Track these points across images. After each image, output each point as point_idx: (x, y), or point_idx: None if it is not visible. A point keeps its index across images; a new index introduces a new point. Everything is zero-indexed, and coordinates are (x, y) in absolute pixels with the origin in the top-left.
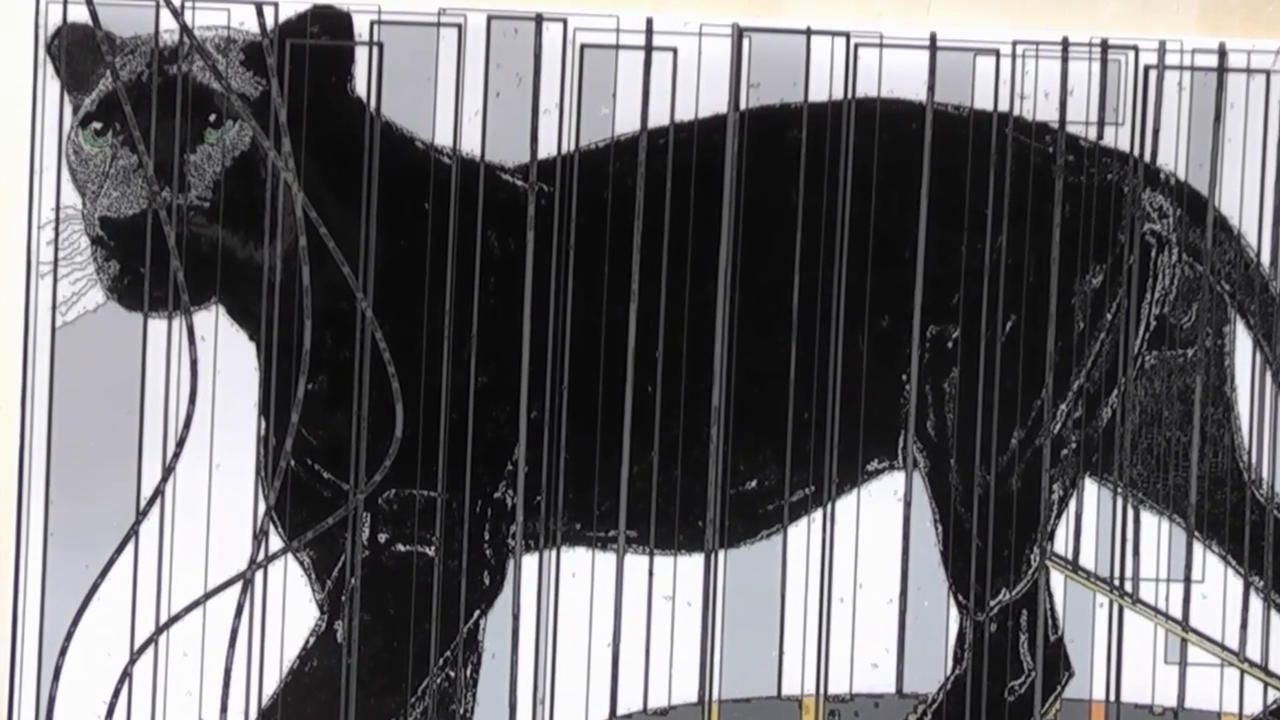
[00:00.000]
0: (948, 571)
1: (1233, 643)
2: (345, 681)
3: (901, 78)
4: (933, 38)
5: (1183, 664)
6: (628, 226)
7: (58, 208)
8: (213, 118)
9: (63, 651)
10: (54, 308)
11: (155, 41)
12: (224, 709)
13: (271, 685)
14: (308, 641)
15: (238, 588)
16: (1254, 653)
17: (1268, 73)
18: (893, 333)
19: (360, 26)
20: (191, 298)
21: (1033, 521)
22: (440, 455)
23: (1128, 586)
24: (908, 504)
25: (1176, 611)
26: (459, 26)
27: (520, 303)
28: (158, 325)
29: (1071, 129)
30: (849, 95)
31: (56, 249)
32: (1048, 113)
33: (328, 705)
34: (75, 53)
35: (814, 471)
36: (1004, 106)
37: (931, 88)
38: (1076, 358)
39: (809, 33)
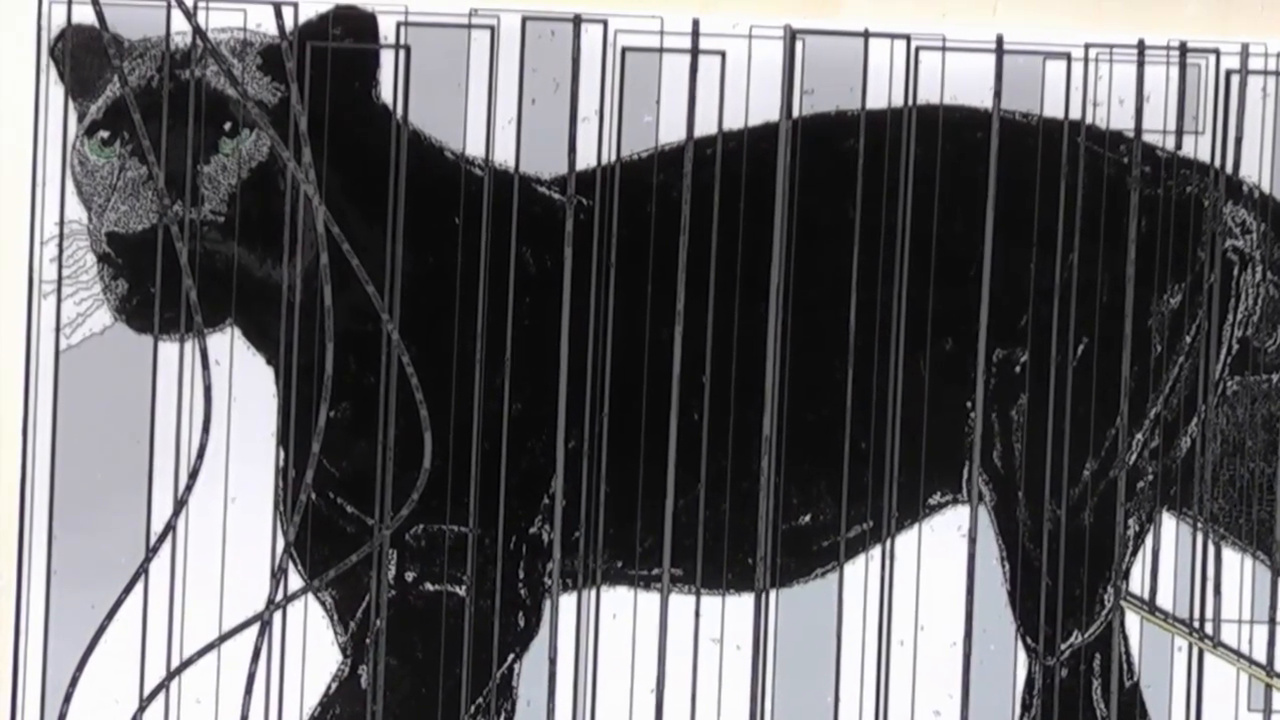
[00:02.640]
0: (1015, 612)
1: None
2: None
3: (966, 83)
4: (999, 40)
5: (1267, 711)
6: (672, 242)
7: (61, 222)
8: (228, 126)
9: (67, 699)
10: (57, 330)
11: (166, 44)
12: None
13: None
14: (330, 688)
15: (254, 630)
16: None
17: None
18: (957, 356)
19: (386, 28)
20: (205, 319)
21: (1106, 559)
22: (472, 488)
23: (1208, 628)
24: (973, 540)
25: (1260, 655)
26: (492, 28)
27: (557, 324)
28: (169, 348)
29: (1148, 138)
30: (909, 102)
31: (60, 267)
32: (1122, 121)
33: None
34: (80, 56)
35: (872, 505)
36: (1075, 114)
37: (998, 94)
38: (1153, 383)
39: (867, 35)
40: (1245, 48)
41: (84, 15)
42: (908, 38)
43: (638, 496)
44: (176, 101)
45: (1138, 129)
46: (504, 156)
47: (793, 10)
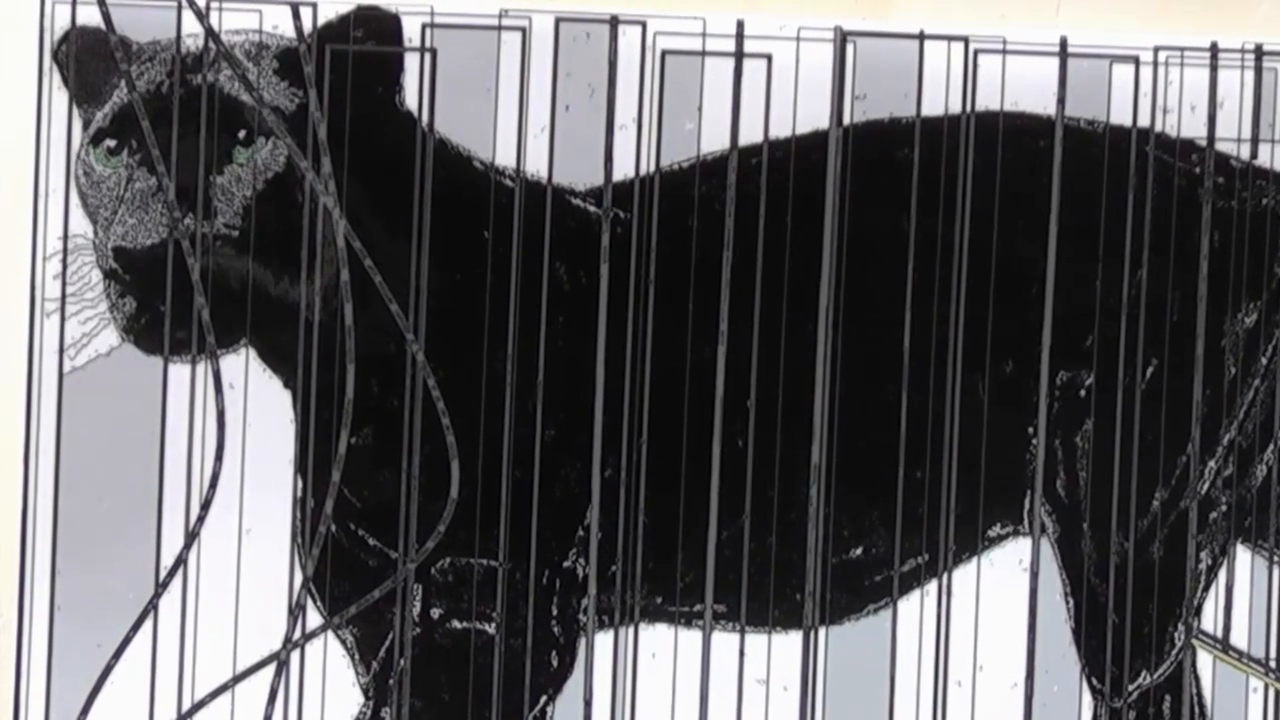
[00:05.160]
0: (1080, 652)
1: None
2: None
3: (1027, 88)
4: (1063, 43)
5: None
6: (716, 258)
7: (65, 237)
8: (242, 134)
9: None
10: (61, 350)
11: (177, 47)
12: None
13: None
14: None
15: (271, 670)
16: None
17: None
18: (1018, 379)
19: (410, 30)
20: (218, 339)
21: (1177, 595)
22: (502, 519)
23: None
24: (1035, 575)
25: None
26: (523, 30)
27: (593, 345)
28: (180, 370)
29: (1221, 147)
30: (968, 108)
31: (64, 284)
32: (1194, 128)
33: None
34: (86, 60)
35: (928, 537)
36: (1144, 121)
37: (1061, 100)
38: (1227, 408)
39: (922, 37)
40: None
41: (89, 16)
42: (965, 40)
43: (678, 528)
44: (188, 108)
45: (1210, 137)
46: (536, 166)
47: (843, 10)
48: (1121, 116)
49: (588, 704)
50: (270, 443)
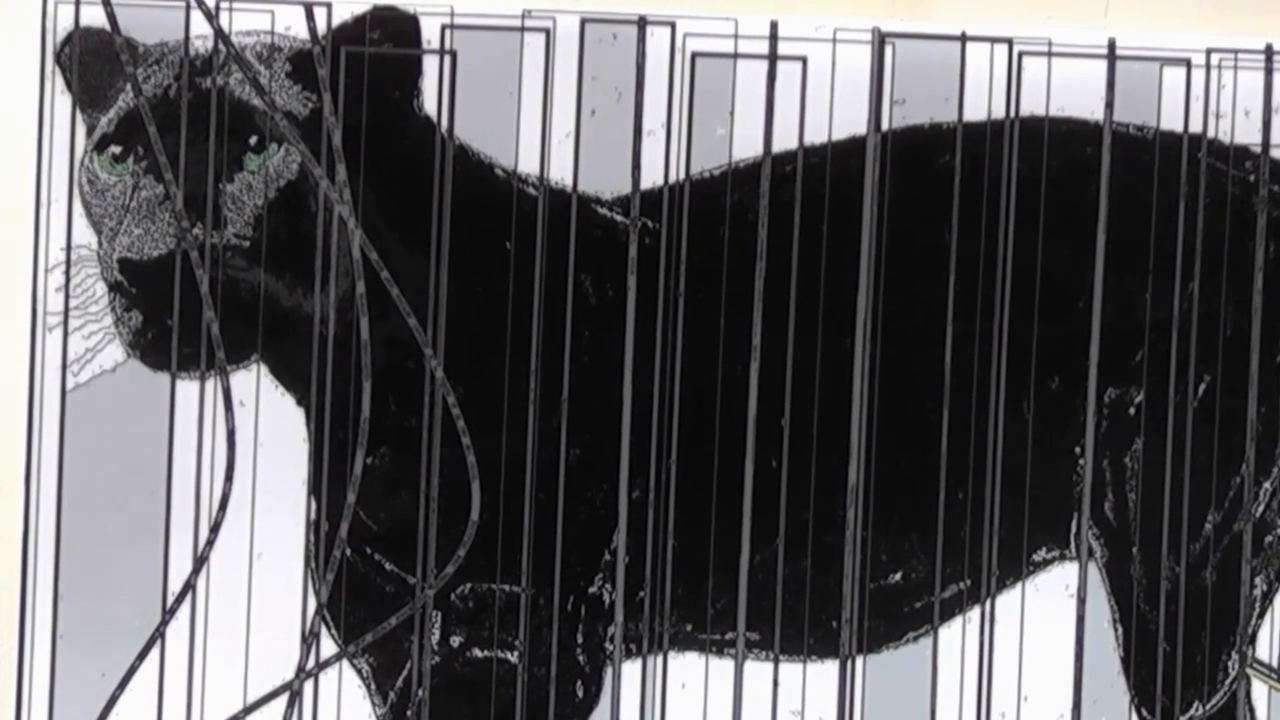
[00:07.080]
0: (1129, 681)
1: None
2: None
3: (1074, 92)
4: (1111, 45)
5: None
6: (748, 269)
7: (68, 247)
8: (253, 140)
9: None
10: (64, 366)
11: (185, 49)
12: None
13: None
14: None
15: (283, 700)
16: None
17: None
18: (1064, 396)
19: (429, 31)
20: (228, 355)
21: (1231, 622)
22: (525, 543)
23: None
24: (1082, 600)
25: None
26: (547, 31)
27: (620, 360)
28: (188, 388)
29: (1276, 153)
30: (1012, 113)
31: (67, 296)
32: (1248, 134)
33: None
34: (90, 63)
35: (970, 562)
36: (1196, 127)
37: (1110, 104)
38: None
39: (964, 39)
40: None
41: (93, 17)
42: (1010, 42)
43: (709, 552)
44: (196, 113)
45: (1265, 143)
46: (560, 174)
47: (882, 11)
48: (1172, 122)
49: None
50: (283, 463)
